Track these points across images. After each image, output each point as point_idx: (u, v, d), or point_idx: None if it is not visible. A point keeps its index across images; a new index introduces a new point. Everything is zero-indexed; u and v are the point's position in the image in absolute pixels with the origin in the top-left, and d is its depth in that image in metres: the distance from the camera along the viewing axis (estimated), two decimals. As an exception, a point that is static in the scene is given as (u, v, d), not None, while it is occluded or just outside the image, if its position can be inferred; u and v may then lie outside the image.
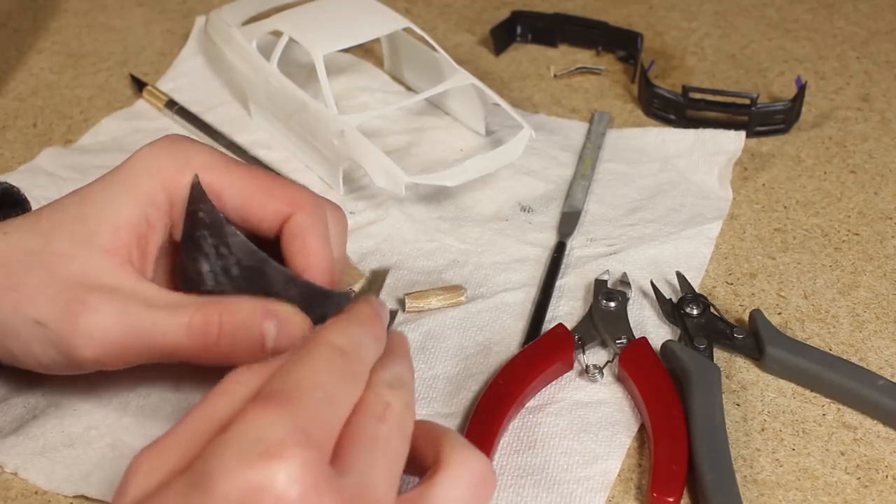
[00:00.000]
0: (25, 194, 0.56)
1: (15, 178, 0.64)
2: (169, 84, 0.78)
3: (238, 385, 0.40)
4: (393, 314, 0.47)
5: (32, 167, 0.70)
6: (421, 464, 0.42)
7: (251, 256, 0.49)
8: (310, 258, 0.50)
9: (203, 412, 0.40)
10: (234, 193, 0.51)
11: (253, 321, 0.47)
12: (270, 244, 0.51)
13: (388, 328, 0.46)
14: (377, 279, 0.50)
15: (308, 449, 0.36)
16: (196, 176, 0.50)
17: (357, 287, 0.60)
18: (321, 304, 0.49)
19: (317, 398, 0.39)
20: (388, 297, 0.61)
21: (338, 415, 0.39)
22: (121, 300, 0.47)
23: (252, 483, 0.35)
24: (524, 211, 0.68)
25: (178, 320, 0.47)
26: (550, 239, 0.66)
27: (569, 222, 0.66)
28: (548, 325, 0.59)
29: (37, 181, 0.68)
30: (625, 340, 0.57)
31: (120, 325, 0.47)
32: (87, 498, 0.50)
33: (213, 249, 0.49)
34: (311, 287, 0.49)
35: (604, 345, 0.58)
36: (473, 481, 0.41)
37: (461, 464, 0.41)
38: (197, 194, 0.49)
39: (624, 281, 0.61)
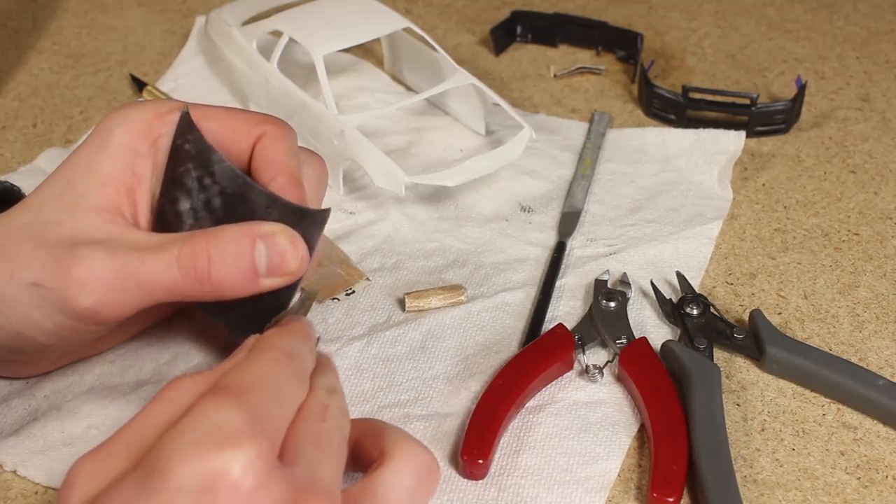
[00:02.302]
0: (26, 195, 0.56)
1: (15, 179, 0.64)
2: (169, 84, 0.78)
3: (181, 392, 0.41)
4: (317, 340, 0.49)
5: (33, 168, 0.70)
6: (367, 460, 0.44)
7: (235, 182, 0.49)
8: (276, 167, 0.50)
9: (146, 418, 0.40)
10: (212, 122, 0.51)
11: (241, 245, 0.47)
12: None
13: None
14: (306, 302, 0.50)
15: (261, 439, 0.37)
16: (186, 106, 0.50)
17: (344, 271, 0.61)
18: (301, 222, 0.48)
19: (268, 393, 0.40)
20: (388, 297, 0.61)
21: (286, 412, 0.41)
22: (108, 247, 0.48)
23: (209, 470, 0.36)
24: (524, 211, 0.68)
25: (166, 256, 0.47)
26: (550, 239, 0.66)
27: (569, 222, 0.66)
28: (548, 325, 0.59)
29: (37, 182, 0.67)
30: (625, 340, 0.57)
31: (110, 268, 0.47)
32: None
33: (196, 183, 0.49)
34: (291, 206, 0.49)
35: (604, 345, 0.58)
36: (417, 471, 0.42)
37: (404, 455, 0.42)
38: (185, 126, 0.50)
39: (624, 281, 0.61)
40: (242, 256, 0.47)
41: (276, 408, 0.40)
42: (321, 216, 0.49)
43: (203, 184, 0.49)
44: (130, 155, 0.50)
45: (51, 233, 0.48)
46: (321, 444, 0.41)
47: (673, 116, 0.75)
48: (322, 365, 0.46)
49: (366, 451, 0.44)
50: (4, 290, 0.48)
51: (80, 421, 0.53)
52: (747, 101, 0.73)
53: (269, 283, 0.47)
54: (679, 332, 0.59)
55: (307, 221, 0.48)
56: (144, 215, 0.50)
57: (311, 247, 0.48)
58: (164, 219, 0.50)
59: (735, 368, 0.58)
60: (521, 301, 0.61)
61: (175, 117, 0.50)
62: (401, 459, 0.42)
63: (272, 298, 0.48)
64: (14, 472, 0.51)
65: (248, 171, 0.51)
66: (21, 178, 0.67)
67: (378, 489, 0.41)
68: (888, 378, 0.56)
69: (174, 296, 0.48)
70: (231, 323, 0.51)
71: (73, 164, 0.51)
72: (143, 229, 0.50)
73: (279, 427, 0.40)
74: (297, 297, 0.50)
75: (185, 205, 0.49)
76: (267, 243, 0.47)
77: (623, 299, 0.60)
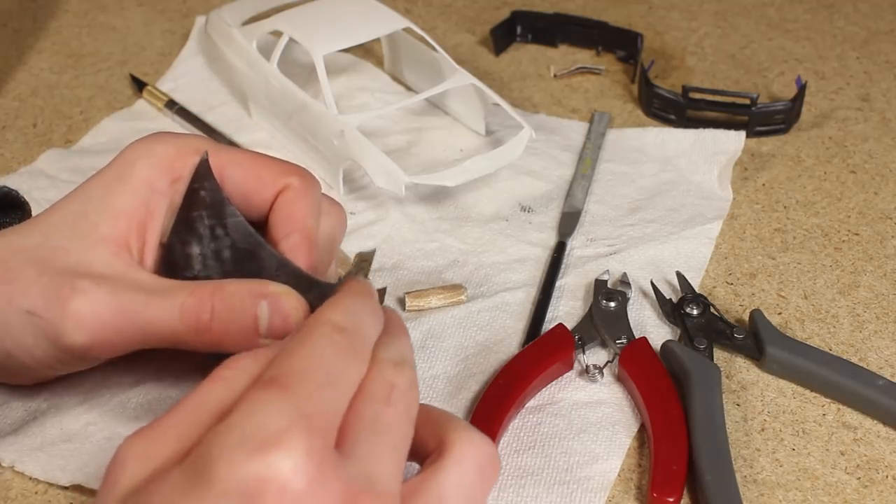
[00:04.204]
0: (25, 197, 0.56)
1: (15, 181, 0.64)
2: (169, 84, 0.78)
3: (236, 371, 0.39)
4: (381, 293, 0.46)
5: (33, 170, 0.70)
6: (423, 450, 0.41)
7: (246, 239, 0.48)
8: (293, 225, 0.49)
9: (199, 399, 0.38)
10: (235, 168, 0.50)
11: (245, 302, 0.46)
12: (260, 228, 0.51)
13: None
14: (364, 262, 0.49)
15: (311, 436, 0.35)
16: (206, 152, 0.49)
17: (344, 271, 0.60)
18: (308, 292, 0.48)
19: (318, 381, 0.37)
20: (388, 297, 0.61)
21: (341, 397, 0.38)
22: (111, 284, 0.47)
23: (255, 474, 0.34)
24: (524, 211, 0.68)
25: (170, 303, 0.46)
26: (550, 239, 0.66)
27: (569, 222, 0.66)
28: (548, 325, 0.59)
29: (37, 183, 0.68)
30: (625, 340, 0.57)
31: (110, 306, 0.46)
32: (83, 492, 0.50)
33: (208, 231, 0.48)
34: (301, 274, 0.48)
35: (604, 345, 0.58)
36: (479, 465, 0.40)
37: (467, 448, 0.40)
38: (203, 172, 0.49)
39: (624, 281, 0.61)
40: (245, 315, 0.46)
41: (328, 395, 0.37)
42: (329, 289, 0.47)
43: (215, 233, 0.48)
44: (148, 190, 0.49)
45: (57, 259, 0.48)
46: (383, 431, 0.38)
47: (673, 116, 0.75)
48: (390, 328, 0.43)
49: (422, 440, 0.41)
50: (2, 314, 0.48)
51: (78, 418, 0.53)
52: (747, 101, 0.73)
53: (266, 343, 0.46)
54: (679, 332, 0.59)
55: (315, 292, 0.48)
56: (151, 253, 0.50)
57: None
58: (172, 258, 0.49)
59: (735, 368, 0.58)
60: (521, 301, 0.61)
61: (196, 160, 0.49)
62: (463, 452, 0.39)
63: None
64: (12, 467, 0.51)
65: (267, 221, 0.50)
66: (21, 180, 0.68)
67: (439, 485, 0.39)
68: (888, 378, 0.56)
69: (170, 343, 0.47)
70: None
71: (90, 192, 0.50)
72: (148, 268, 0.49)
73: (333, 416, 0.37)
74: (353, 259, 0.49)
75: (195, 249, 0.49)
76: (271, 304, 0.46)
77: (623, 299, 0.60)
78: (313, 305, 0.46)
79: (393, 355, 0.41)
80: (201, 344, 0.47)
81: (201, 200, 0.48)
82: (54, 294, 0.47)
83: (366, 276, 0.48)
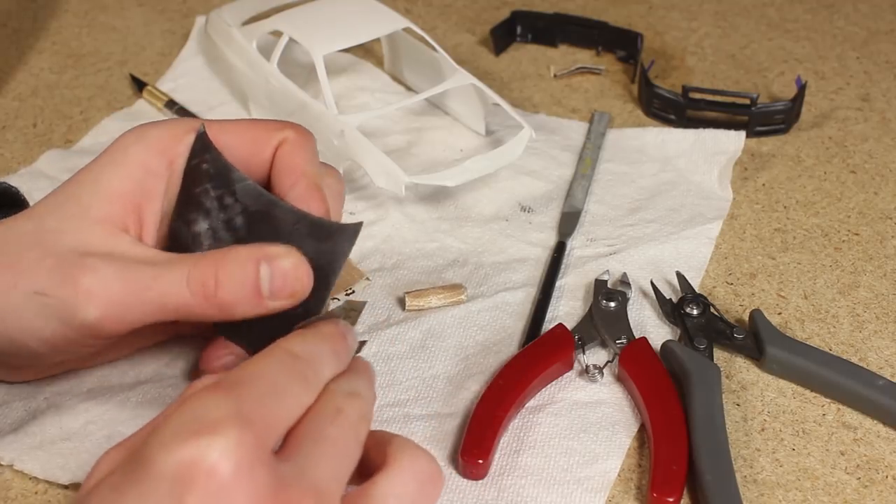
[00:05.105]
0: (25, 196, 0.56)
1: (15, 181, 0.64)
2: (169, 84, 0.78)
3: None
4: (361, 345, 0.47)
5: (33, 170, 0.69)
6: (373, 470, 0.43)
7: (259, 200, 0.48)
8: (297, 173, 0.50)
9: (162, 415, 0.40)
10: (229, 136, 0.50)
11: (247, 267, 0.46)
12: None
13: (356, 354, 0.46)
14: (353, 311, 0.49)
15: (245, 430, 0.37)
16: (202, 125, 0.50)
17: (351, 278, 0.60)
18: (330, 237, 0.48)
19: (261, 390, 0.40)
20: (388, 297, 0.61)
21: (284, 410, 0.40)
22: (117, 261, 0.47)
23: (185, 458, 0.36)
24: (524, 211, 0.68)
25: (178, 273, 0.47)
26: (550, 239, 0.66)
27: (569, 222, 0.66)
28: (548, 325, 0.59)
29: (37, 184, 0.67)
30: (625, 340, 0.57)
31: (121, 280, 0.47)
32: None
33: (216, 202, 0.48)
34: (320, 222, 0.48)
35: (604, 345, 0.58)
36: (418, 478, 0.42)
37: (406, 461, 0.42)
38: (202, 145, 0.49)
39: (624, 281, 0.61)
40: (247, 279, 0.46)
41: (269, 402, 0.39)
42: (353, 229, 0.47)
43: (223, 203, 0.48)
44: (143, 172, 0.49)
45: (56, 241, 0.48)
46: (324, 443, 0.40)
47: (673, 116, 0.75)
48: (353, 369, 0.45)
49: (370, 462, 0.43)
50: (6, 298, 0.48)
51: (77, 417, 0.53)
52: (747, 101, 0.73)
53: (275, 304, 0.46)
54: (679, 332, 0.59)
55: (337, 236, 0.48)
56: (150, 235, 0.50)
57: (341, 261, 0.47)
58: (179, 241, 0.49)
59: (735, 368, 0.58)
60: (521, 301, 0.61)
61: (192, 138, 0.50)
62: (402, 465, 0.42)
63: (281, 318, 0.47)
64: (11, 466, 0.51)
65: (269, 179, 0.51)
66: (21, 180, 0.68)
67: (378, 494, 0.41)
68: (888, 378, 0.56)
69: (183, 314, 0.47)
70: (248, 342, 0.50)
71: (82, 177, 0.50)
72: (145, 241, 0.50)
73: (273, 424, 0.39)
74: (341, 303, 0.50)
75: (202, 225, 0.49)
76: (271, 266, 0.46)
77: (623, 299, 0.60)
78: (337, 250, 0.47)
79: (345, 388, 0.43)
80: (212, 312, 0.47)
81: (204, 173, 0.48)
82: (62, 274, 0.47)
83: (353, 324, 0.48)
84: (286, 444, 0.40)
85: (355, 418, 0.42)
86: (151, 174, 0.49)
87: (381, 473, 0.41)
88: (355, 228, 0.47)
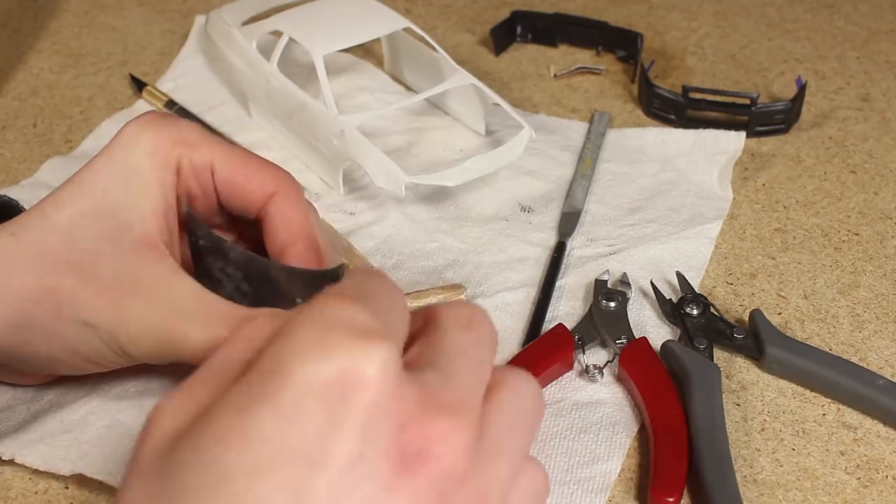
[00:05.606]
0: (25, 209, 0.56)
1: (17, 192, 0.63)
2: (169, 84, 0.78)
3: (259, 331, 0.36)
4: (342, 268, 0.52)
5: (35, 181, 0.69)
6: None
7: (252, 265, 0.50)
8: (295, 233, 0.52)
9: (221, 358, 0.36)
10: (225, 167, 0.52)
11: None
12: (249, 225, 0.54)
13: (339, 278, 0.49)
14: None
15: (391, 340, 0.33)
16: (187, 204, 0.51)
17: (348, 260, 0.62)
18: (323, 282, 0.50)
19: (387, 302, 0.36)
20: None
21: (404, 326, 0.36)
22: (157, 304, 0.48)
23: (340, 366, 0.31)
24: (524, 211, 0.68)
25: (205, 336, 0.47)
26: (550, 239, 0.66)
27: (569, 222, 0.66)
28: (548, 325, 0.59)
29: (39, 195, 0.66)
30: (625, 340, 0.57)
31: (157, 331, 0.48)
32: (83, 484, 0.51)
33: (222, 273, 0.50)
34: (308, 274, 0.51)
35: (604, 345, 0.58)
36: (534, 399, 0.37)
37: (520, 380, 0.37)
38: (192, 223, 0.51)
39: (624, 281, 0.61)
40: None
41: (394, 318, 0.36)
42: (338, 272, 0.52)
43: (227, 273, 0.50)
44: (162, 184, 0.51)
45: (97, 267, 0.48)
46: (462, 352, 0.36)
47: (673, 116, 0.75)
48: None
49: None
50: (48, 323, 0.48)
51: (77, 409, 0.53)
52: (747, 101, 0.73)
53: None
54: (679, 332, 0.59)
55: (328, 280, 0.51)
56: (177, 239, 0.52)
57: None
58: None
59: (735, 368, 0.58)
60: (521, 301, 0.61)
61: (184, 137, 0.51)
62: (519, 380, 0.37)
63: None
64: (12, 460, 0.51)
65: (261, 224, 0.53)
66: (23, 191, 0.67)
67: (499, 408, 0.36)
68: (888, 378, 0.56)
69: (194, 361, 0.48)
70: None
71: (100, 187, 0.50)
72: (177, 253, 0.51)
73: (401, 338, 0.36)
74: (369, 261, 0.53)
75: (222, 293, 0.50)
76: None
77: (623, 299, 0.60)
78: None
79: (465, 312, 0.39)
80: None
81: (204, 249, 0.51)
82: (109, 311, 0.48)
83: None
84: (413, 358, 0.36)
85: (488, 326, 0.38)
86: (168, 186, 0.51)
87: (500, 389, 0.37)
88: (340, 270, 0.52)
